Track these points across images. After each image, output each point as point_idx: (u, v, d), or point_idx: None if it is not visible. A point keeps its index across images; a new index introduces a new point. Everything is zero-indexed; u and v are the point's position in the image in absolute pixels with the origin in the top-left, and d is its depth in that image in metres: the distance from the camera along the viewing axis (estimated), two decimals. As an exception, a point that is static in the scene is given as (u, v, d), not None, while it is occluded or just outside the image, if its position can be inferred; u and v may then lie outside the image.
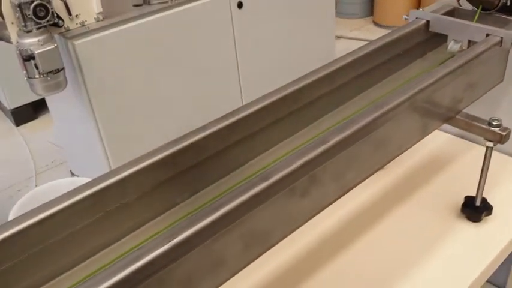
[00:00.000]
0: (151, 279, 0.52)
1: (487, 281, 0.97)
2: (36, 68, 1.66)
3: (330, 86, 0.86)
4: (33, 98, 3.24)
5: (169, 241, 0.53)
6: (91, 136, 2.01)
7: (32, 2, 1.62)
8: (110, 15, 1.91)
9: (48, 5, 1.65)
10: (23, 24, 1.64)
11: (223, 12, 2.16)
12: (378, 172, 0.77)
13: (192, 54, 2.11)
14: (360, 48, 0.91)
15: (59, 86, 1.76)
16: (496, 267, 0.95)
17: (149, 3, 2.01)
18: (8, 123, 3.30)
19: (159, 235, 0.63)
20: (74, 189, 0.60)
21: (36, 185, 2.66)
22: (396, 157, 0.79)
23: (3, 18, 1.69)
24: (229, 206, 0.57)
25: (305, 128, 0.85)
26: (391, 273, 0.90)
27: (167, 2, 2.02)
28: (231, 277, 0.60)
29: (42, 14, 1.65)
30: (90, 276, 0.60)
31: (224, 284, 0.59)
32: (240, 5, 2.18)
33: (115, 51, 1.88)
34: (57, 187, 2.05)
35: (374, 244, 0.97)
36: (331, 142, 0.65)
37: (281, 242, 0.65)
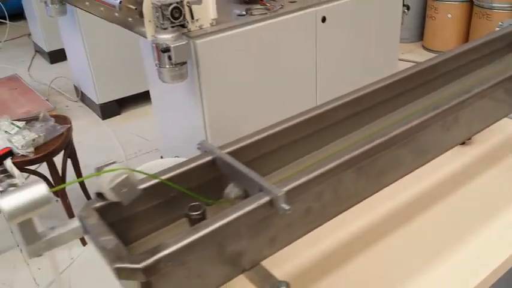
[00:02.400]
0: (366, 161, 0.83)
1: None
2: (169, 59, 2.03)
3: (394, 92, 1.06)
4: (119, 95, 3.67)
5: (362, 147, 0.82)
6: (196, 125, 2.36)
7: (170, 4, 2.00)
8: (219, 22, 2.29)
9: (182, 8, 2.03)
10: (161, 22, 2.01)
11: (310, 25, 2.52)
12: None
13: (280, 58, 2.47)
14: (425, 62, 1.10)
15: (182, 77, 2.13)
16: None
17: (251, 14, 2.39)
18: (95, 117, 3.71)
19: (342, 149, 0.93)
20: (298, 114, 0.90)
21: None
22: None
23: (140, 17, 2.08)
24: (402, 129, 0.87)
25: (373, 121, 1.03)
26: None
27: (266, 13, 2.39)
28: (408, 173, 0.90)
29: (177, 15, 2.03)
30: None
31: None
32: (323, 20, 2.55)
33: (224, 52, 2.25)
34: (163, 164, 2.42)
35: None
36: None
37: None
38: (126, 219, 0.72)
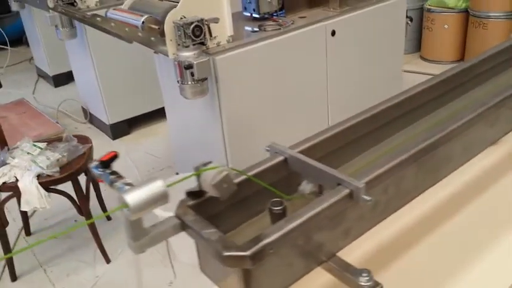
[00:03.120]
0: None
1: None
2: (192, 75, 2.10)
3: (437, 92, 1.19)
4: (129, 115, 3.73)
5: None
6: (214, 140, 2.42)
7: (192, 23, 2.07)
8: (235, 39, 2.36)
9: (202, 26, 2.11)
10: (183, 40, 2.09)
11: (320, 39, 2.61)
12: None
13: (293, 71, 2.55)
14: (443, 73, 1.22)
15: (203, 92, 2.19)
16: None
17: (264, 30, 2.47)
18: (105, 137, 3.76)
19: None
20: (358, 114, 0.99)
21: (142, 186, 3.07)
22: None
23: (162, 36, 2.15)
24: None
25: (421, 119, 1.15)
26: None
27: (279, 29, 2.47)
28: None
29: (198, 33, 2.10)
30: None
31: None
32: (333, 33, 2.63)
33: (241, 67, 2.32)
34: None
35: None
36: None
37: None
38: (214, 215, 0.77)
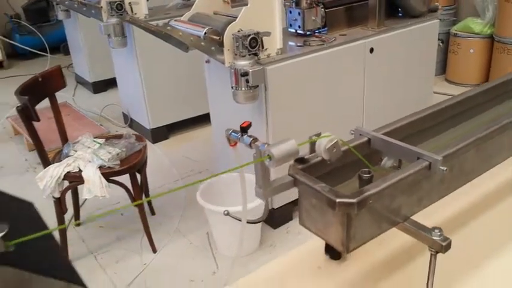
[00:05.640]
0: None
1: None
2: (247, 82, 2.31)
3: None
4: (169, 121, 3.95)
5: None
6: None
7: (249, 35, 2.29)
8: (283, 52, 2.58)
9: (258, 38, 2.33)
10: (240, 50, 2.30)
11: (359, 55, 2.82)
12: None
13: (333, 84, 2.75)
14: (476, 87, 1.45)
15: (254, 98, 2.40)
16: None
17: (309, 45, 2.69)
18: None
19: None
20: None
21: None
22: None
23: (220, 46, 2.37)
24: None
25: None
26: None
27: (323, 44, 2.68)
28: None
29: (254, 44, 2.32)
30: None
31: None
32: (371, 51, 2.84)
33: (288, 77, 2.53)
34: (229, 177, 2.68)
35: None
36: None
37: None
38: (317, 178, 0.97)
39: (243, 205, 1.12)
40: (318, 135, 0.89)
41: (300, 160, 0.93)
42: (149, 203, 2.94)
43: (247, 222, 2.06)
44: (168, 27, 2.23)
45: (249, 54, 2.33)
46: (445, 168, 0.91)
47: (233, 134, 0.99)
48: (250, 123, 0.97)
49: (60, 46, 6.34)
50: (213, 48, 2.36)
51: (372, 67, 2.88)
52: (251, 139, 0.93)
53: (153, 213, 3.00)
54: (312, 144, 0.91)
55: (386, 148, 1.00)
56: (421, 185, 0.97)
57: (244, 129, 0.96)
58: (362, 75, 2.87)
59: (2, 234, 0.56)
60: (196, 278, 2.51)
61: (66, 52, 5.86)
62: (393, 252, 1.18)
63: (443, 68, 4.91)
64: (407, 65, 3.09)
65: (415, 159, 0.94)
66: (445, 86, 4.75)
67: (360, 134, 1.05)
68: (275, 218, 2.85)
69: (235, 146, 0.95)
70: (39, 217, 0.71)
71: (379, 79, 2.95)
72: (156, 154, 3.77)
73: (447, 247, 0.95)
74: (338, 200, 0.82)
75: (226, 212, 2.44)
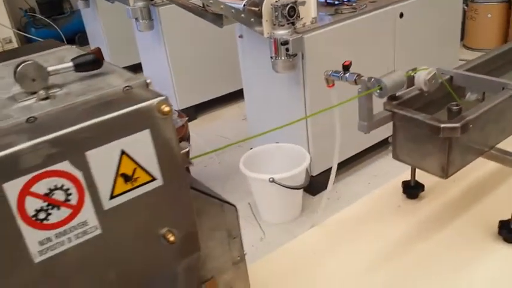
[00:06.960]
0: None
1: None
2: (287, 50, 2.37)
3: None
4: (196, 101, 4.02)
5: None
6: (296, 115, 2.67)
7: (288, 4, 2.34)
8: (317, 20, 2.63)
9: (296, 7, 2.38)
10: (279, 20, 2.35)
11: (390, 20, 2.86)
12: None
13: (366, 50, 2.80)
14: None
15: (293, 67, 2.46)
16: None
17: (341, 13, 2.73)
18: (174, 122, 4.05)
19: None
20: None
21: (219, 162, 3.36)
22: None
23: (259, 17, 2.42)
24: None
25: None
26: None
27: (355, 11, 2.73)
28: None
29: (292, 13, 2.37)
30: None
31: None
32: (401, 15, 2.89)
33: (324, 45, 2.58)
34: (266, 149, 2.75)
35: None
36: None
37: None
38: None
39: (337, 141, 1.16)
40: (414, 70, 0.96)
41: (393, 97, 1.00)
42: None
43: (291, 188, 2.12)
44: (211, 1, 2.29)
45: (287, 24, 2.38)
46: (532, 95, 0.98)
47: (333, 74, 1.06)
48: (351, 61, 1.03)
49: (75, 37, 6.39)
50: (252, 19, 2.41)
51: (402, 32, 2.93)
52: (355, 75, 1.00)
53: (194, 188, 3.08)
54: (410, 79, 0.98)
55: (470, 83, 1.06)
56: (505, 115, 1.04)
57: (346, 67, 1.03)
58: (393, 41, 2.92)
59: (185, 151, 0.63)
60: (246, 244, 2.58)
61: (82, 43, 5.92)
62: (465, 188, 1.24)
63: (461, 34, 4.92)
64: (435, 30, 3.13)
65: (500, 90, 1.01)
66: (463, 52, 4.78)
67: (442, 73, 1.11)
68: (314, 185, 2.92)
69: (332, 87, 1.01)
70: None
71: (409, 44, 3.00)
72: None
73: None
74: (443, 125, 0.88)
75: (271, 179, 2.53)
